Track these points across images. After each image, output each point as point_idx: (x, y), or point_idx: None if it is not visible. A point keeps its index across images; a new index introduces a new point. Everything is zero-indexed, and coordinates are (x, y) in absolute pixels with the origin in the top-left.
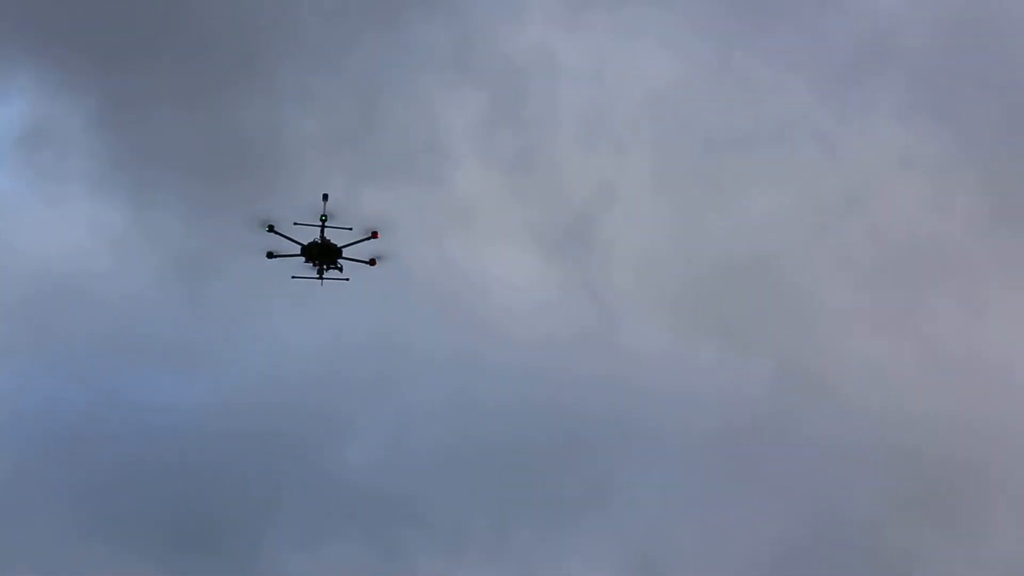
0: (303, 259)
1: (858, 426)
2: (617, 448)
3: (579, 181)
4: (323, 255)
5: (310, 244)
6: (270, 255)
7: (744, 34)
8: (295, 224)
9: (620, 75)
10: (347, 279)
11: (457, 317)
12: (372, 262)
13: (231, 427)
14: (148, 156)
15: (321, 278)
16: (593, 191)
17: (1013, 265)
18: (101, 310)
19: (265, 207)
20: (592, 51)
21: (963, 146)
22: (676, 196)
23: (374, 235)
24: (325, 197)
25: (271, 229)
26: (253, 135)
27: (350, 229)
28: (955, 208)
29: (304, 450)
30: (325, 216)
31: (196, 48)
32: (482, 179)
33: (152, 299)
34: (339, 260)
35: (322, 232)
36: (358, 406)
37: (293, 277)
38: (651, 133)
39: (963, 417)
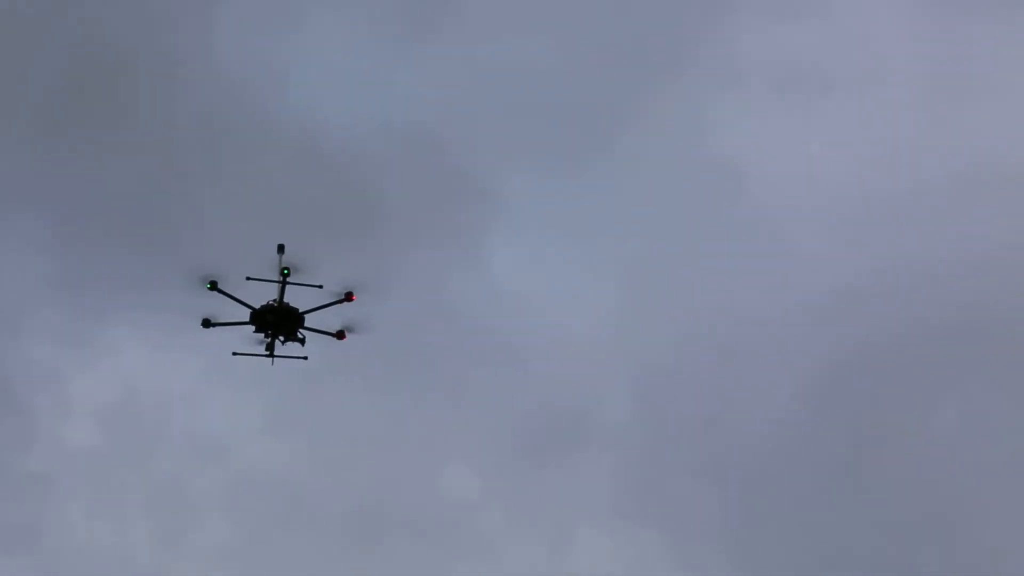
0: (252, 329)
1: None
2: None
3: None
4: (280, 323)
5: (264, 308)
6: (207, 323)
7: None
8: (248, 279)
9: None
10: (305, 358)
11: None
12: (340, 335)
13: None
14: None
15: (272, 355)
16: None
17: None
18: None
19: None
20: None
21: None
22: None
23: (349, 297)
24: (281, 249)
25: (214, 286)
26: None
27: (320, 287)
28: None
29: None
30: (287, 270)
31: None
32: None
33: None
34: (300, 330)
35: (281, 292)
36: None
37: (234, 354)
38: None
39: None
